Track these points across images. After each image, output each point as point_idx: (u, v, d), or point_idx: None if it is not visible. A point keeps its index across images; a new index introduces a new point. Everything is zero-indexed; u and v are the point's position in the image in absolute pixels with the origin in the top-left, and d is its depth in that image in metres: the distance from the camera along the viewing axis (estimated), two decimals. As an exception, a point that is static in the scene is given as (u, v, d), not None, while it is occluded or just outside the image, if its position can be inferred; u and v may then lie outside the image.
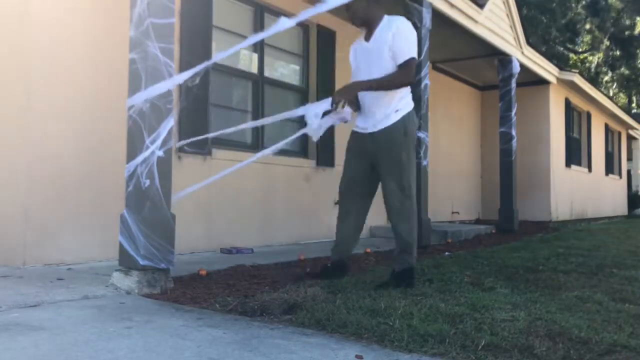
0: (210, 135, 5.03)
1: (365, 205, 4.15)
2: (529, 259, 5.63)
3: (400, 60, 3.81)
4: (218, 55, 4.79)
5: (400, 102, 3.91)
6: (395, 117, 3.88)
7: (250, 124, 4.31)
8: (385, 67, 3.84)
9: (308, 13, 3.67)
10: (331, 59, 7.41)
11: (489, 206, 11.63)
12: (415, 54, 3.86)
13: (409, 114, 3.93)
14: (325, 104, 3.93)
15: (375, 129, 3.92)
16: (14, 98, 4.39)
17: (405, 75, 3.82)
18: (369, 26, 3.97)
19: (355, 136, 4.08)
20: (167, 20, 3.57)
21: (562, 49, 29.66)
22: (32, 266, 4.22)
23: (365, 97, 3.95)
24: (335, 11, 7.48)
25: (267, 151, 4.11)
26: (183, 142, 4.53)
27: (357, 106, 4.04)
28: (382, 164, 3.92)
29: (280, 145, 4.15)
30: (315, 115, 3.89)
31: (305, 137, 7.17)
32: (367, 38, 3.98)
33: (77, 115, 4.56)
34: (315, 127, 3.90)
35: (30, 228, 4.26)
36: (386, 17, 3.95)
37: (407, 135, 3.89)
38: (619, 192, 18.52)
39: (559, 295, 3.67)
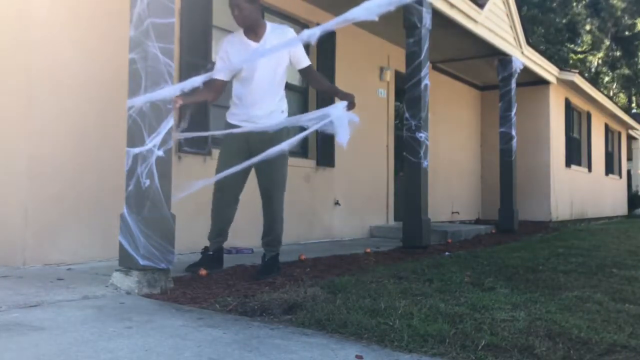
0: (211, 133, 5.03)
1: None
2: (529, 259, 5.63)
3: (306, 64, 4.23)
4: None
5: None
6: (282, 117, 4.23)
7: (262, 126, 4.28)
8: (280, 72, 4.17)
9: (331, 24, 3.65)
10: (331, 58, 7.41)
11: (489, 206, 11.63)
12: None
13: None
14: (342, 106, 4.12)
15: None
16: (13, 98, 4.39)
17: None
18: (253, 28, 4.13)
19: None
20: (167, 20, 3.57)
21: (562, 48, 29.65)
22: (32, 266, 4.22)
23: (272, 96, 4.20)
24: (336, 11, 7.49)
25: (272, 151, 4.14)
26: (182, 134, 4.58)
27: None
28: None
29: (284, 145, 4.16)
30: (342, 119, 4.06)
31: (305, 137, 7.18)
32: (252, 38, 4.14)
33: (77, 115, 4.56)
34: (348, 132, 4.04)
35: (30, 228, 4.26)
36: (271, 24, 4.21)
37: (289, 135, 4.21)
38: (619, 192, 18.52)
39: (559, 295, 3.67)
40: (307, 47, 7.13)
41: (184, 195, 3.88)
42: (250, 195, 6.42)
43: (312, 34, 3.56)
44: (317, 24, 7.03)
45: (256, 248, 5.97)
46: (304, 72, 4.34)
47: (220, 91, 4.26)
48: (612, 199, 17.36)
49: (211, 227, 4.43)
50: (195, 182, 3.97)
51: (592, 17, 28.37)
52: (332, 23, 3.60)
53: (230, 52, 4.15)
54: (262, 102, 4.15)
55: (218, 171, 4.20)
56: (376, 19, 3.34)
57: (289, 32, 4.20)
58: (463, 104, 11.66)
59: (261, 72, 4.10)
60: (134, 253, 3.39)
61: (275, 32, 4.14)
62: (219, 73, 4.13)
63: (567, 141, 12.91)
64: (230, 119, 4.27)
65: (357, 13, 3.42)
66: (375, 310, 3.00)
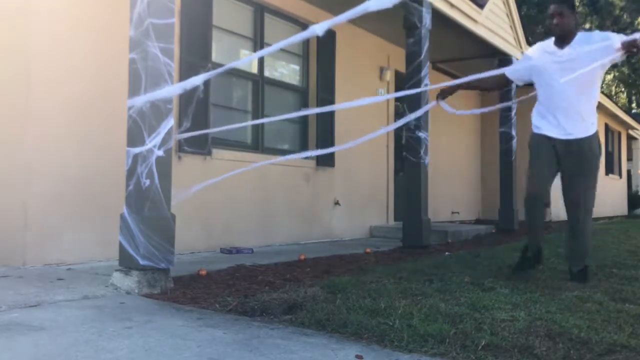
0: (211, 130, 5.06)
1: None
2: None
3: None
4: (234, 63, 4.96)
5: (595, 116, 4.26)
6: (593, 129, 4.22)
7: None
8: (588, 81, 4.07)
9: (344, 16, 3.68)
10: (331, 59, 7.41)
11: (489, 206, 11.62)
12: None
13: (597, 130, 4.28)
14: None
15: (575, 137, 4.20)
16: (13, 98, 4.39)
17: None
18: (566, 37, 4.12)
19: (552, 142, 4.35)
20: (167, 20, 3.57)
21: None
22: (32, 266, 4.22)
23: (579, 105, 4.16)
24: (336, 11, 7.48)
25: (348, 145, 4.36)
26: (181, 135, 4.60)
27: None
28: (575, 171, 4.28)
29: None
30: None
31: (305, 137, 7.19)
32: (559, 46, 4.16)
33: (77, 115, 4.56)
34: None
35: (30, 228, 4.26)
36: (581, 33, 4.17)
37: (600, 148, 4.27)
38: (619, 192, 18.50)
39: (559, 295, 3.66)
40: (307, 42, 7.15)
41: (185, 197, 3.88)
42: (250, 195, 6.43)
43: (321, 27, 3.59)
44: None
45: (256, 248, 5.98)
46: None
47: (501, 85, 4.59)
48: (612, 199, 17.34)
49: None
50: (193, 186, 3.99)
51: (590, 15, 28.31)
52: (345, 16, 3.62)
53: (533, 55, 4.29)
54: (566, 112, 4.18)
55: (530, 178, 4.50)
56: (391, 5, 3.35)
57: (593, 37, 4.05)
58: (463, 104, 11.65)
59: (561, 82, 4.06)
60: (134, 253, 3.39)
61: (581, 40, 4.06)
62: (509, 69, 4.34)
63: (567, 141, 12.88)
64: (536, 130, 4.46)
65: (371, 4, 3.44)
66: (375, 310, 2.99)
